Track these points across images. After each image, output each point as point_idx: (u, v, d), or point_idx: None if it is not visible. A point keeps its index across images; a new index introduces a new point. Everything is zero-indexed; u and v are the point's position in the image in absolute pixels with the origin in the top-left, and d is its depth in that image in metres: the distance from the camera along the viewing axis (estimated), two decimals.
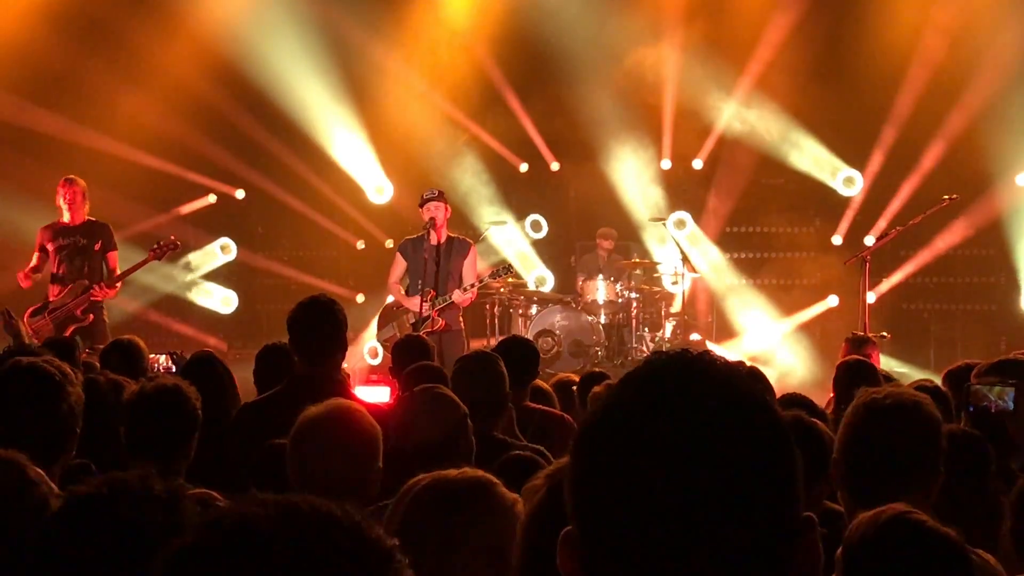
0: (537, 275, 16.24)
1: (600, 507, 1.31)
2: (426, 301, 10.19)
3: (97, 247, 10.56)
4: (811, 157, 15.57)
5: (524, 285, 14.67)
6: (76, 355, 5.84)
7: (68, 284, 10.46)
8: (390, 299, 11.05)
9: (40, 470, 2.84)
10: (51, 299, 10.47)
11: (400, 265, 10.69)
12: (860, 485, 3.13)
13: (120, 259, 10.94)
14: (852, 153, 15.57)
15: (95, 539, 2.09)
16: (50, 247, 10.53)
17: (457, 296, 10.26)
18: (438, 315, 10.22)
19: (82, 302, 10.41)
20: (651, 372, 1.35)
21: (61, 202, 10.55)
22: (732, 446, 1.29)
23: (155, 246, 10.93)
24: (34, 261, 10.61)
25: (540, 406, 6.06)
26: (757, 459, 1.30)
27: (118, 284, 10.71)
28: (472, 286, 10.36)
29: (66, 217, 10.55)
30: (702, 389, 1.32)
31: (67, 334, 10.13)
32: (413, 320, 10.35)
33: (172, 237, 11.09)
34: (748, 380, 1.36)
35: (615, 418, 1.33)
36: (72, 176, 10.70)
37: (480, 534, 2.56)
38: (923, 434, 3.18)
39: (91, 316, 10.47)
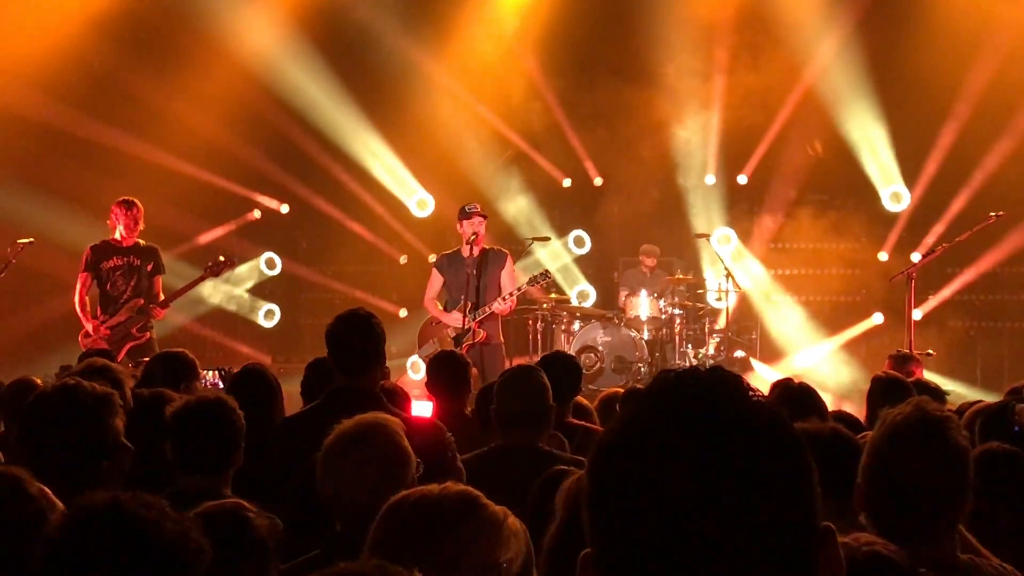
0: (580, 290, 16.23)
1: (616, 526, 1.30)
2: (466, 314, 10.18)
3: (149, 268, 10.62)
4: (855, 173, 15.47)
5: (567, 300, 14.65)
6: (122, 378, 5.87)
7: (120, 303, 10.50)
8: (427, 319, 11.03)
9: (42, 487, 2.86)
10: (101, 318, 10.48)
11: (437, 281, 10.67)
12: (881, 512, 3.06)
13: (172, 273, 11.01)
14: (901, 169, 15.46)
15: (105, 544, 2.12)
16: (103, 267, 10.53)
17: (496, 306, 10.23)
18: (479, 327, 10.21)
19: (138, 321, 10.50)
20: (661, 390, 1.35)
21: (118, 223, 10.52)
22: (746, 460, 1.28)
23: (209, 264, 10.95)
24: (87, 282, 10.56)
25: (582, 422, 6.04)
26: (772, 471, 1.29)
27: (169, 306, 10.80)
28: (511, 295, 10.33)
29: (117, 235, 10.57)
30: (713, 405, 1.32)
31: (123, 352, 10.23)
32: (455, 334, 10.32)
33: (222, 258, 11.10)
34: (756, 393, 1.36)
35: (627, 437, 1.32)
36: (132, 199, 10.63)
37: (470, 553, 2.55)
38: (945, 461, 3.05)
39: (147, 334, 10.55)
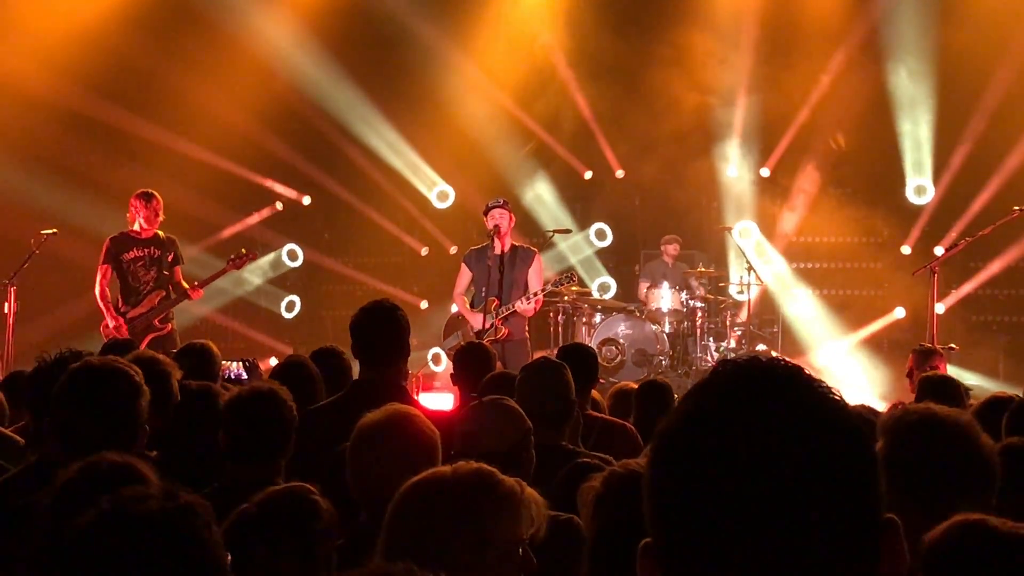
0: (601, 283, 16.23)
1: (680, 517, 1.30)
2: (490, 311, 10.17)
3: (169, 259, 10.63)
4: (878, 166, 15.42)
5: (588, 293, 14.64)
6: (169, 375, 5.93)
7: (143, 293, 10.52)
8: (455, 308, 11.04)
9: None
10: (123, 309, 10.51)
11: (465, 275, 10.66)
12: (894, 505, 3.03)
13: (195, 263, 11.02)
14: (925, 162, 15.40)
15: (111, 546, 2.15)
16: (124, 258, 10.53)
17: (520, 306, 10.19)
18: (502, 324, 10.19)
19: (160, 312, 10.54)
20: (725, 379, 1.35)
21: (138, 216, 10.53)
22: (810, 450, 1.28)
23: (233, 257, 10.98)
24: (108, 274, 10.56)
25: (601, 415, 6.04)
26: (835, 461, 1.29)
27: (203, 288, 10.83)
28: (535, 295, 10.30)
29: (136, 227, 10.57)
30: (776, 394, 1.32)
31: (144, 344, 10.25)
32: (477, 329, 10.32)
33: (244, 250, 11.11)
34: (818, 381, 1.35)
35: (692, 427, 1.32)
36: (151, 191, 10.64)
37: (493, 531, 2.57)
38: (953, 451, 3.06)
39: (168, 326, 10.58)
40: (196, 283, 10.71)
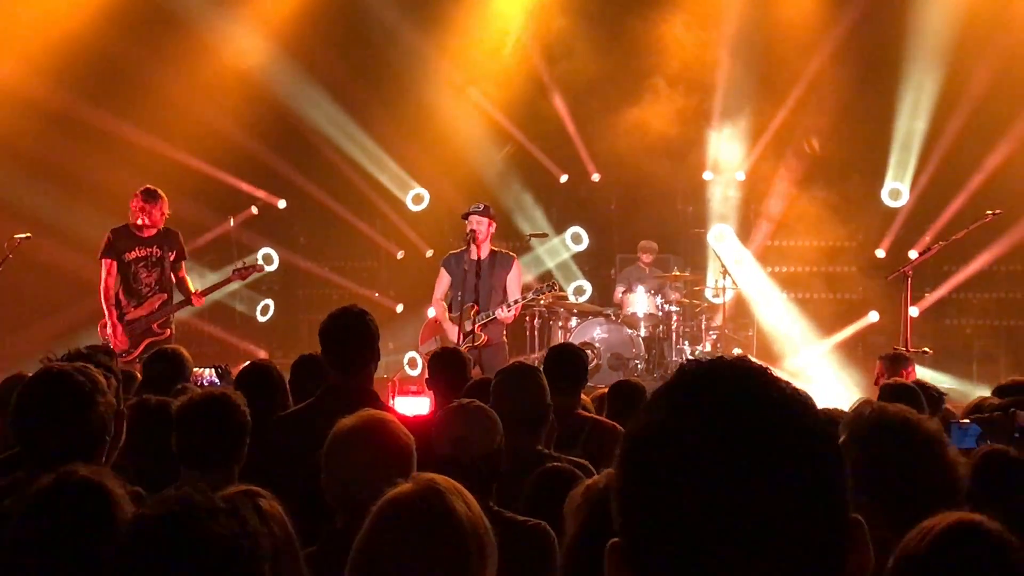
0: (576, 286, 16.24)
1: (647, 517, 1.30)
2: (467, 318, 10.15)
3: (172, 257, 10.47)
4: (853, 170, 15.49)
5: (564, 297, 14.64)
6: (115, 362, 5.88)
7: (144, 295, 10.38)
8: (432, 312, 11.01)
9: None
10: (124, 309, 10.36)
11: (444, 280, 10.63)
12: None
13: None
14: (900, 166, 15.48)
15: (177, 557, 2.10)
16: (127, 257, 10.35)
17: (500, 314, 10.19)
18: (481, 330, 10.19)
19: (160, 316, 10.41)
20: (691, 380, 1.35)
21: (142, 216, 10.33)
22: (778, 450, 1.28)
23: (239, 267, 10.83)
24: (112, 270, 10.36)
25: (591, 414, 6.05)
26: (803, 462, 1.29)
27: (205, 296, 10.69)
28: (515, 302, 10.28)
29: (139, 223, 10.36)
30: (742, 394, 1.31)
31: (141, 348, 10.16)
32: (457, 333, 10.29)
33: (247, 261, 11.01)
34: (784, 381, 1.35)
35: (658, 428, 1.32)
36: (155, 189, 10.47)
37: (438, 547, 2.58)
38: (918, 456, 3.06)
39: (167, 331, 10.43)
40: (199, 290, 10.61)
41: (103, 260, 10.40)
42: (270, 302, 17.17)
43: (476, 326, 10.12)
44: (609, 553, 1.36)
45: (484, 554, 2.65)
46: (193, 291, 10.50)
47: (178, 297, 10.58)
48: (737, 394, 1.31)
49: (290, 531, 2.70)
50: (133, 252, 10.37)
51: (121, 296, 10.40)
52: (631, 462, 1.34)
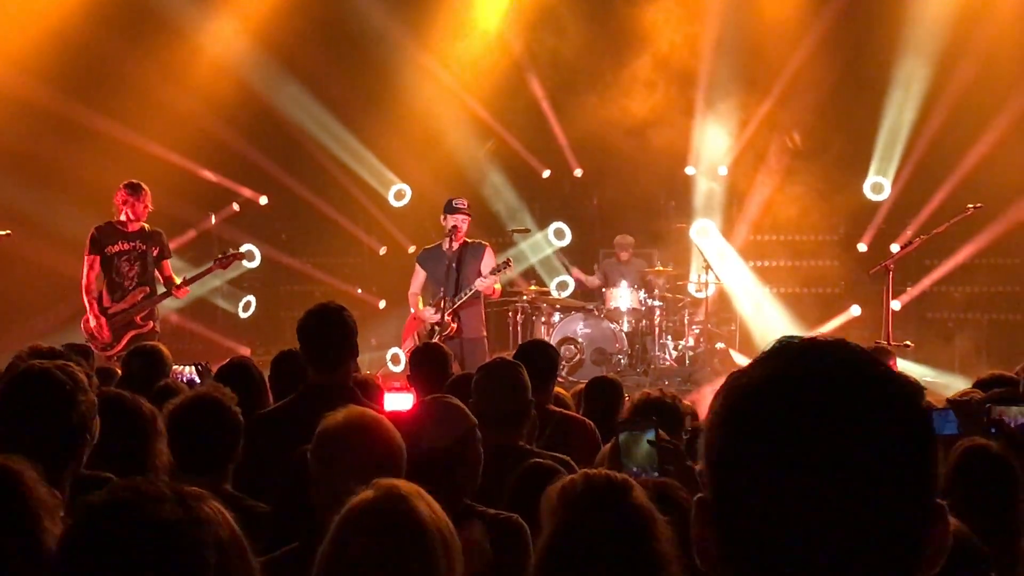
0: (559, 281, 16.24)
1: (740, 477, 1.34)
2: (438, 310, 10.21)
3: (155, 253, 10.43)
4: (835, 164, 15.53)
5: (547, 292, 14.65)
6: (91, 362, 5.87)
7: (126, 289, 10.34)
8: (412, 313, 11.01)
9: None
10: (106, 304, 10.33)
11: (420, 276, 10.65)
12: None
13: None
14: (882, 160, 15.52)
15: (123, 542, 2.11)
16: (109, 251, 10.32)
17: (479, 283, 10.23)
18: (453, 319, 10.22)
19: (142, 309, 10.37)
20: (798, 351, 1.38)
21: (125, 208, 10.31)
22: (880, 421, 1.32)
23: (220, 256, 10.82)
24: (95, 265, 10.33)
25: (561, 409, 6.04)
26: (902, 441, 1.32)
27: (188, 288, 10.66)
28: (484, 277, 10.26)
29: (126, 217, 10.34)
30: (850, 364, 1.36)
31: (124, 341, 10.12)
32: (428, 329, 10.32)
33: (231, 250, 10.94)
34: (885, 364, 1.39)
35: (766, 392, 1.35)
36: (139, 182, 10.46)
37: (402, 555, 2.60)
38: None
39: (150, 323, 10.40)
40: (181, 281, 10.56)
41: (87, 257, 10.38)
42: (252, 298, 17.13)
43: (448, 312, 10.16)
44: (697, 508, 1.40)
45: (450, 555, 2.67)
46: (174, 285, 10.46)
47: (161, 291, 10.54)
48: (846, 363, 1.36)
49: (239, 536, 2.70)
50: (116, 246, 10.34)
51: (104, 290, 10.38)
52: (730, 418, 1.37)
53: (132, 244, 10.36)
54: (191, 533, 2.14)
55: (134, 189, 10.38)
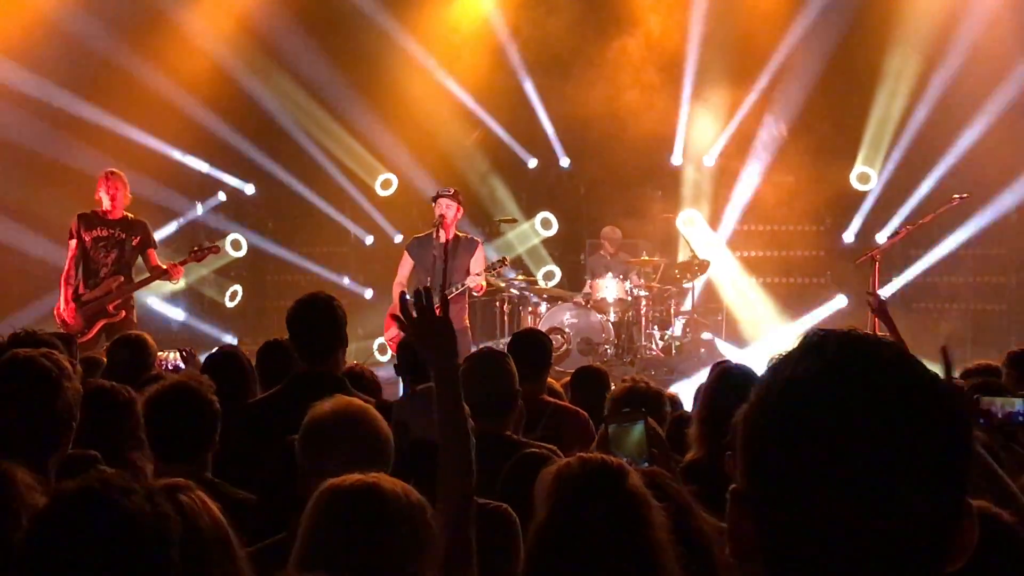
0: (546, 271, 16.23)
1: (775, 467, 1.36)
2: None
3: (135, 242, 10.34)
4: (822, 154, 15.55)
5: (534, 282, 14.65)
6: (74, 350, 5.85)
7: (100, 276, 10.26)
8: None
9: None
10: (81, 291, 10.26)
11: (407, 264, 10.64)
12: None
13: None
14: (868, 150, 15.54)
15: (88, 530, 2.15)
16: (87, 237, 10.27)
17: (471, 281, 10.26)
18: (441, 311, 10.20)
19: (116, 297, 10.29)
20: (838, 345, 1.40)
21: (103, 194, 10.26)
22: (924, 423, 1.34)
23: (194, 249, 10.74)
24: (72, 251, 10.28)
25: (555, 400, 6.04)
26: (940, 437, 1.35)
27: (182, 268, 10.48)
28: (479, 274, 10.31)
29: (106, 205, 10.29)
30: (887, 362, 1.38)
31: (96, 329, 10.07)
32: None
33: (206, 244, 10.86)
34: (917, 359, 1.41)
35: (800, 385, 1.37)
36: (116, 170, 10.42)
37: (379, 540, 2.62)
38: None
39: (122, 312, 10.29)
40: (171, 264, 10.39)
41: (68, 243, 10.34)
42: (238, 288, 17.10)
43: (437, 307, 10.13)
44: (732, 499, 1.42)
45: (418, 538, 2.69)
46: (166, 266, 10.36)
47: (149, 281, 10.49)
48: (890, 361, 1.38)
49: (223, 525, 2.70)
50: (95, 231, 10.29)
51: (81, 279, 10.33)
52: (772, 411, 1.39)
53: (111, 231, 10.29)
54: (155, 527, 2.17)
55: (111, 176, 10.36)
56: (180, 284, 11.07)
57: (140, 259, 10.46)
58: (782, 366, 1.41)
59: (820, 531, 1.33)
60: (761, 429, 1.39)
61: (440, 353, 3.24)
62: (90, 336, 10.01)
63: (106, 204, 10.29)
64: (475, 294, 10.67)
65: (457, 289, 10.19)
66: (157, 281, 10.57)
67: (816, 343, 1.41)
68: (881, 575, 1.33)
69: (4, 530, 2.59)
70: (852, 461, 1.31)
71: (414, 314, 3.35)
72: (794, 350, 1.42)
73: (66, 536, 2.15)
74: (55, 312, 10.29)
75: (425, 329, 3.30)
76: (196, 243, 11.07)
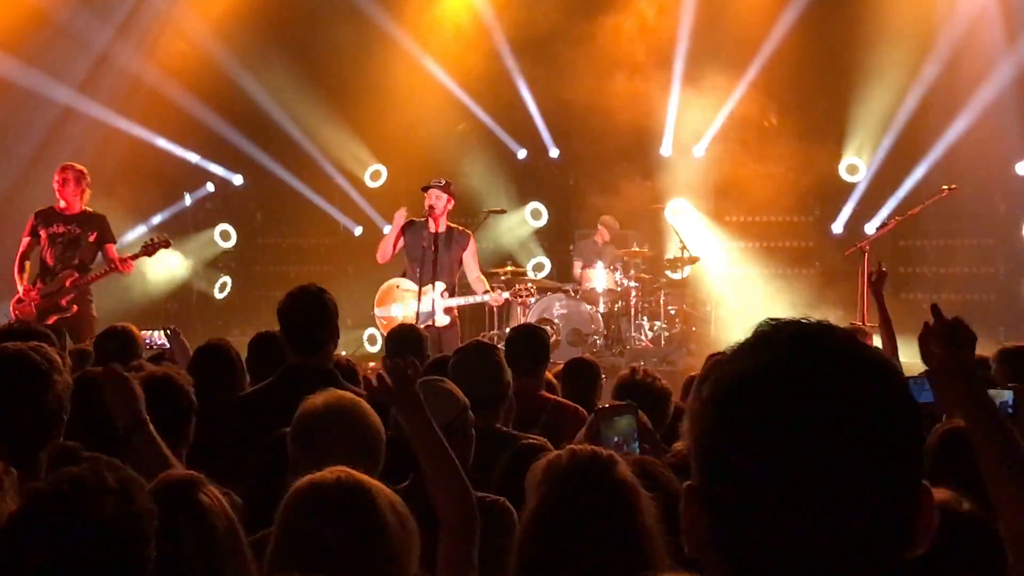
0: (535, 262, 16.23)
1: (733, 468, 1.34)
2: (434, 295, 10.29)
3: (92, 238, 10.31)
4: (811, 144, 15.56)
5: (523, 273, 14.65)
6: (63, 342, 5.84)
7: (55, 272, 10.23)
8: (391, 282, 11.01)
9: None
10: (38, 286, 10.24)
11: (400, 238, 10.65)
12: None
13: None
14: (858, 141, 15.56)
15: (56, 535, 2.17)
16: (42, 233, 10.25)
17: (491, 299, 10.57)
18: (447, 312, 10.32)
19: (68, 292, 10.22)
20: (785, 338, 1.39)
21: (56, 188, 10.28)
22: (867, 405, 1.33)
23: (147, 243, 10.62)
24: (27, 248, 10.33)
25: (553, 397, 6.04)
26: (890, 419, 1.34)
27: (131, 263, 10.39)
28: (497, 290, 10.61)
29: (62, 204, 10.32)
30: (837, 358, 1.36)
31: (49, 322, 9.99)
32: (416, 311, 10.32)
33: (155, 238, 10.72)
34: (868, 345, 1.40)
35: (750, 380, 1.36)
36: (70, 163, 10.41)
37: (357, 538, 2.62)
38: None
39: (75, 308, 10.23)
40: (125, 257, 10.40)
41: (22, 239, 10.38)
42: (228, 279, 17.06)
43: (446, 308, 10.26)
44: (686, 496, 1.41)
45: (406, 532, 2.70)
46: (119, 259, 10.30)
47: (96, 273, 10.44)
48: (835, 351, 1.37)
49: (235, 524, 2.71)
50: (52, 228, 10.28)
51: (38, 275, 10.33)
52: (722, 406, 1.37)
53: (68, 228, 10.27)
54: (128, 527, 2.17)
55: (63, 167, 10.34)
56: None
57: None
58: (733, 359, 1.40)
59: (776, 526, 1.32)
60: (713, 425, 1.38)
61: (410, 415, 3.28)
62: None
63: (60, 201, 10.25)
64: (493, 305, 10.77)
65: (472, 301, 10.36)
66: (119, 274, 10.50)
67: (766, 335, 1.41)
68: (840, 565, 1.32)
69: None
70: (804, 454, 1.30)
71: (390, 383, 3.36)
72: (745, 342, 1.42)
73: (37, 540, 2.16)
74: (12, 307, 10.25)
75: (401, 398, 3.34)
76: (185, 233, 11.03)
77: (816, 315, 1.43)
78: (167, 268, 15.46)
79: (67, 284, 10.22)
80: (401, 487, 3.39)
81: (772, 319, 1.44)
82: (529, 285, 11.31)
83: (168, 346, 7.15)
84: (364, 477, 2.74)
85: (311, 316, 5.31)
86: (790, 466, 1.31)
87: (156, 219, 15.86)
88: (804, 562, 1.32)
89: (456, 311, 10.65)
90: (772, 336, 1.40)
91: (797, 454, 1.31)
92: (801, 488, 1.31)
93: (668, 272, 14.51)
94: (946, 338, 3.00)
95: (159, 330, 7.07)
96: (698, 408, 1.41)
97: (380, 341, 13.34)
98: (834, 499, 1.31)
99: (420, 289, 10.27)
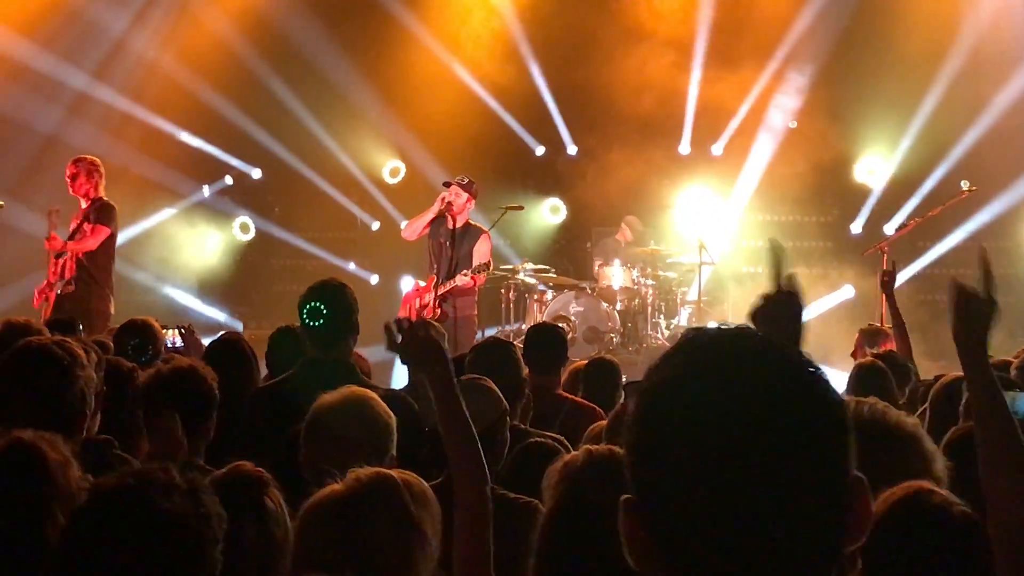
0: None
1: (656, 473, 1.36)
2: (428, 289, 10.28)
3: (86, 227, 10.17)
4: (830, 145, 15.50)
5: (541, 270, 14.61)
6: (78, 335, 5.83)
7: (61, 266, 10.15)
8: (409, 285, 11.01)
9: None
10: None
11: (430, 219, 10.55)
12: None
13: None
14: (878, 142, 15.50)
15: (124, 530, 2.15)
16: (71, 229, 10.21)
17: (459, 280, 10.26)
18: (440, 306, 10.23)
19: (61, 273, 10.07)
20: (701, 346, 1.40)
21: (67, 182, 10.17)
22: (785, 407, 1.34)
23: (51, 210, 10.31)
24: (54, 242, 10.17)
25: (572, 396, 6.03)
26: (810, 419, 1.35)
27: (60, 243, 10.07)
28: (464, 274, 10.26)
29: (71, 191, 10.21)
30: (752, 355, 1.38)
31: (51, 305, 9.93)
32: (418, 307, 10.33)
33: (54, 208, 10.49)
34: (788, 347, 1.41)
35: (672, 390, 1.37)
36: (82, 156, 10.28)
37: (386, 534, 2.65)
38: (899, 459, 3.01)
39: (52, 292, 10.07)
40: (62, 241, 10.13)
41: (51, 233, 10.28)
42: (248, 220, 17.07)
43: (434, 300, 10.19)
44: (623, 508, 1.41)
45: (407, 535, 2.72)
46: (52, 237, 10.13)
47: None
48: (747, 354, 1.38)
49: (289, 533, 2.71)
50: (72, 225, 10.22)
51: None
52: (643, 417, 1.39)
53: (79, 222, 10.21)
54: (195, 527, 2.14)
55: (73, 164, 10.20)
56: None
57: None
58: (656, 370, 1.41)
59: (706, 533, 1.32)
60: (635, 438, 1.39)
61: (431, 369, 3.25)
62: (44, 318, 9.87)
63: (71, 191, 10.18)
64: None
65: (446, 287, 10.20)
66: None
67: (680, 346, 1.42)
68: (777, 565, 1.33)
69: (37, 512, 2.57)
70: (723, 458, 1.31)
71: (398, 340, 3.36)
72: (668, 351, 1.42)
73: (102, 535, 2.14)
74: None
75: (413, 351, 3.32)
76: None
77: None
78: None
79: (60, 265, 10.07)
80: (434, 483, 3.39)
81: (694, 328, 1.46)
82: (489, 263, 11.13)
83: (182, 344, 7.14)
84: (378, 476, 2.72)
85: (332, 310, 5.30)
86: (711, 472, 1.32)
87: (174, 210, 15.89)
88: (743, 566, 1.32)
89: (475, 307, 10.63)
90: (688, 344, 1.41)
91: (717, 459, 1.32)
92: (725, 492, 1.31)
93: (684, 271, 14.46)
94: (959, 310, 3.02)
95: (172, 329, 7.04)
96: (627, 419, 1.41)
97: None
98: (757, 501, 1.31)
99: (437, 283, 10.28)
